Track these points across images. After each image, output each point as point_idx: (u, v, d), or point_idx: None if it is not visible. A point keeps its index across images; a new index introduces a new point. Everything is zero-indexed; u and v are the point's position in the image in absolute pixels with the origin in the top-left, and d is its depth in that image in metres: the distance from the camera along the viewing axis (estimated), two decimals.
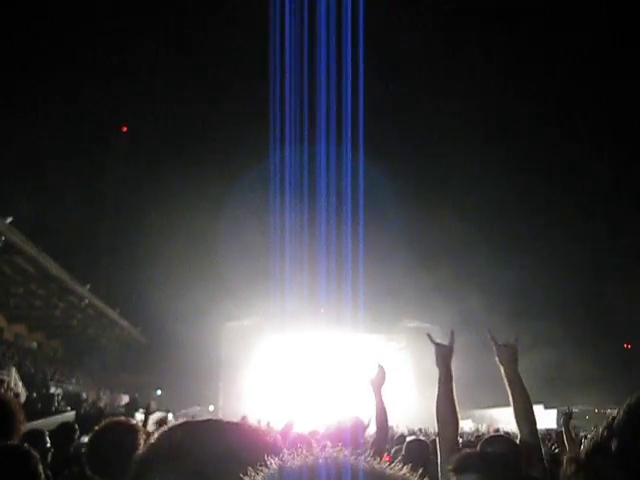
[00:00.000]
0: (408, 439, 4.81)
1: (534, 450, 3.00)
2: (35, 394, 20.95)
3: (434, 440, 3.43)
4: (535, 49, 43.08)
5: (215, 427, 0.92)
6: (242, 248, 35.02)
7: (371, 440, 4.31)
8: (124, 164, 39.93)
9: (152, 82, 41.15)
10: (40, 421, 10.75)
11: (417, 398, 31.22)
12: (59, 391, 24.11)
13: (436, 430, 3.28)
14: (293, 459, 0.69)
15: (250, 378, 37.64)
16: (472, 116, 43.71)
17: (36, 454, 2.37)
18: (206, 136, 44.00)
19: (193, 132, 44.76)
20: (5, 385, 18.73)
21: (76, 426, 5.89)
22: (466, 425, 27.32)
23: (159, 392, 36.70)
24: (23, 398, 18.23)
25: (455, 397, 3.16)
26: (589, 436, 0.95)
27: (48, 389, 23.59)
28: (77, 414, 16.84)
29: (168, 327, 33.53)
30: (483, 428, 24.65)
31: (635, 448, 0.84)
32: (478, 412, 33.17)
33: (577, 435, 7.39)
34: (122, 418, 3.07)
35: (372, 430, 4.53)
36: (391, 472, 0.69)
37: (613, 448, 0.85)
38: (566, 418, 5.94)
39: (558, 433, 8.40)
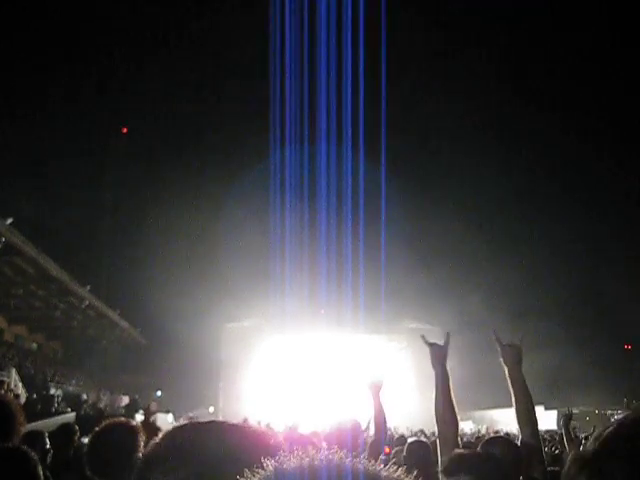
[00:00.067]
0: (409, 440, 4.81)
1: (535, 451, 3.00)
2: (35, 395, 20.94)
3: (435, 441, 3.43)
4: (535, 49, 43.14)
5: (218, 429, 0.92)
6: (242, 249, 35.03)
7: (369, 442, 4.32)
8: (124, 164, 39.93)
9: (152, 82, 41.17)
10: (40, 422, 10.73)
11: (418, 399, 31.17)
12: (59, 392, 24.10)
13: (436, 431, 3.28)
14: (289, 461, 0.69)
15: (250, 379, 37.62)
16: (473, 116, 43.76)
17: (35, 455, 2.36)
18: (206, 136, 44.00)
19: (193, 132, 44.76)
20: (5, 386, 18.70)
21: (76, 427, 5.89)
22: (466, 426, 27.31)
23: (159, 393, 36.68)
24: (23, 399, 18.22)
25: (453, 397, 3.16)
26: (592, 436, 0.94)
27: (48, 390, 23.58)
28: (77, 415, 16.80)
29: (168, 328, 33.52)
30: (483, 429, 24.64)
31: None
32: (478, 413, 33.16)
33: (577, 437, 7.38)
34: (122, 419, 3.07)
35: (371, 432, 4.55)
36: (386, 474, 0.69)
37: (621, 448, 0.85)
38: (566, 419, 5.94)
39: (559, 434, 8.40)
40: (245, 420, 11.66)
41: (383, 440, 4.44)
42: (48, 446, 4.79)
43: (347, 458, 0.69)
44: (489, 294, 34.39)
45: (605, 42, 41.14)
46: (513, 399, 3.11)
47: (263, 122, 27.41)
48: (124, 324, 35.58)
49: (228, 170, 40.25)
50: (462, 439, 4.49)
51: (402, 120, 36.30)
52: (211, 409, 36.33)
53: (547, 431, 15.42)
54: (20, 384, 21.31)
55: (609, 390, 31.48)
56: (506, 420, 22.58)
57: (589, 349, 33.83)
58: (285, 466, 0.69)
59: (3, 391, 16.14)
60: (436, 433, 3.29)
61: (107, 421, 2.87)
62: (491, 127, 44.30)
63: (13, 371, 21.61)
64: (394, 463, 0.74)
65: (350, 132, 25.58)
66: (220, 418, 1.12)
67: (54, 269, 25.21)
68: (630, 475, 0.82)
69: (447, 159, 43.98)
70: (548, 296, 39.22)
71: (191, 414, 23.74)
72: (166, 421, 18.71)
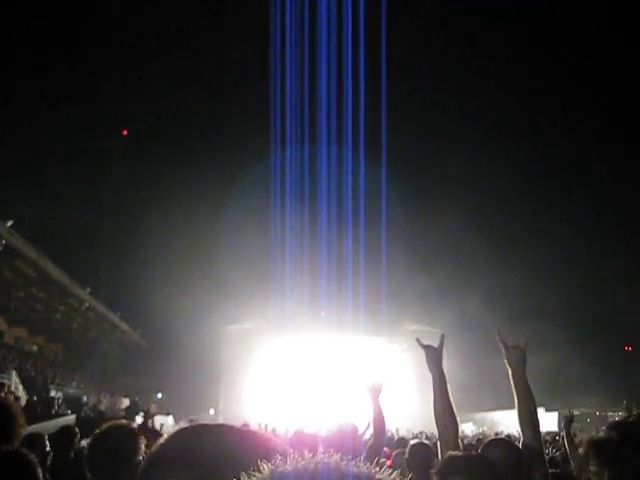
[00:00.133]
0: (411, 442, 4.80)
1: (536, 453, 2.99)
2: (35, 397, 20.92)
3: (435, 443, 3.43)
4: (535, 49, 43.15)
5: (220, 432, 0.92)
6: (242, 250, 35.02)
7: (368, 445, 4.33)
8: (124, 166, 39.94)
9: (152, 82, 41.14)
10: (40, 424, 10.71)
11: (418, 401, 31.12)
12: (59, 394, 24.09)
13: (437, 433, 3.28)
14: (285, 464, 0.69)
15: (251, 381, 37.59)
16: (473, 117, 43.80)
17: (34, 458, 2.36)
18: (206, 136, 44.03)
19: (193, 132, 44.77)
20: (5, 388, 18.68)
21: (76, 429, 5.88)
22: (467, 428, 27.28)
23: (159, 395, 36.68)
24: (23, 401, 18.20)
25: (452, 399, 3.17)
26: (607, 426, 0.96)
27: (48, 392, 23.57)
28: (77, 417, 16.78)
29: (169, 330, 33.51)
30: (484, 431, 24.61)
31: None
32: (479, 415, 33.15)
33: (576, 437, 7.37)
34: (123, 421, 3.07)
35: (367, 435, 4.55)
36: (380, 477, 0.69)
37: (635, 435, 0.86)
38: (567, 421, 5.93)
39: (560, 436, 8.38)
40: (245, 423, 11.66)
41: (383, 443, 4.44)
42: (48, 448, 4.79)
43: (343, 461, 0.69)
44: (489, 296, 34.42)
45: (605, 42, 41.18)
46: (516, 401, 3.11)
47: (263, 122, 27.44)
48: (124, 326, 35.58)
49: (228, 171, 40.29)
50: (463, 441, 4.49)
51: (403, 120, 36.30)
52: (211, 411, 36.31)
53: (548, 433, 15.40)
54: (20, 386, 21.31)
55: (609, 391, 31.43)
56: (507, 422, 22.56)
57: (589, 350, 33.81)
58: (281, 469, 0.69)
59: (3, 393, 16.12)
60: (437, 435, 3.29)
61: (108, 423, 2.86)
62: (491, 127, 44.37)
63: (13, 373, 21.61)
64: (395, 466, 0.74)
65: (351, 132, 25.63)
66: (221, 420, 1.12)
67: (54, 271, 25.23)
68: None
69: (447, 160, 43.97)
70: (548, 297, 39.25)
71: (192, 417, 23.73)
72: (166, 423, 18.69)
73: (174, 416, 24.13)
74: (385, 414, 4.33)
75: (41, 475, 2.35)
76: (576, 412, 7.24)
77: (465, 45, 43.17)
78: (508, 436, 9.07)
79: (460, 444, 3.18)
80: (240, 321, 38.72)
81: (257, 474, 0.70)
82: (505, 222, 42.36)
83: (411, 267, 34.71)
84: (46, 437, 4.98)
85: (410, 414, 26.42)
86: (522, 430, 3.07)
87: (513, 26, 42.42)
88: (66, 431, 5.78)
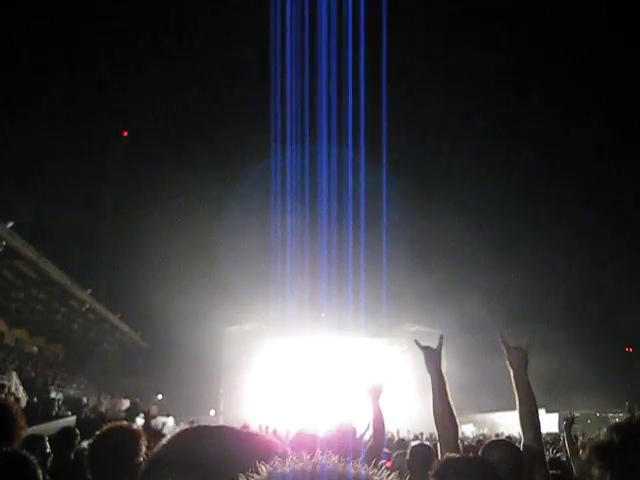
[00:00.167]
0: (413, 444, 4.80)
1: (537, 455, 2.99)
2: (36, 399, 20.91)
3: (435, 444, 3.42)
4: (535, 49, 43.14)
5: (221, 434, 0.92)
6: (243, 251, 35.03)
7: (368, 446, 4.33)
8: (124, 166, 39.91)
9: (152, 82, 41.13)
10: (41, 426, 10.71)
11: (419, 402, 31.07)
12: (60, 396, 24.07)
13: (436, 434, 3.28)
14: (283, 465, 0.69)
15: (251, 383, 37.56)
16: (473, 117, 43.82)
17: (34, 460, 2.36)
18: (206, 137, 43.98)
19: (193, 133, 44.76)
20: (6, 390, 18.67)
21: (77, 431, 5.88)
22: (467, 429, 27.27)
23: (160, 397, 36.65)
24: (24, 403, 18.20)
25: (451, 400, 3.17)
26: (608, 428, 0.95)
27: (49, 394, 23.56)
28: (78, 419, 16.79)
29: (169, 331, 33.53)
30: (485, 432, 24.60)
31: None
32: (479, 416, 33.12)
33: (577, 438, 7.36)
34: (124, 423, 3.06)
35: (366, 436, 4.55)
36: (378, 479, 0.69)
37: (634, 439, 0.86)
38: (568, 423, 5.93)
39: (561, 437, 8.38)
40: (245, 425, 11.65)
41: (382, 445, 4.44)
42: (48, 450, 4.78)
43: (341, 463, 0.69)
44: (490, 297, 34.40)
45: (605, 42, 41.17)
46: (517, 402, 3.11)
47: (264, 122, 27.44)
48: (125, 327, 35.57)
49: (228, 171, 40.29)
50: (463, 442, 4.48)
51: (403, 120, 36.31)
52: (212, 413, 36.30)
53: (548, 434, 15.40)
54: (21, 388, 21.31)
55: (610, 393, 31.42)
56: (507, 423, 22.56)
57: (590, 351, 33.81)
58: (279, 470, 0.69)
59: (4, 395, 16.12)
60: (436, 436, 3.29)
61: (109, 425, 2.86)
62: (492, 128, 44.33)
63: (14, 375, 21.61)
64: (394, 467, 0.74)
65: (351, 133, 25.66)
66: (221, 422, 1.12)
67: (55, 272, 25.23)
68: None
69: (448, 160, 44.01)
70: (549, 298, 39.22)
71: (192, 418, 23.71)
72: (167, 425, 18.66)
73: (174, 417, 24.10)
74: (385, 415, 4.33)
75: (41, 476, 2.35)
76: (576, 413, 7.22)
77: (465, 45, 43.14)
78: (509, 437, 9.07)
79: (460, 445, 3.18)
80: (240, 322, 38.69)
81: (255, 475, 0.70)
82: (505, 222, 42.38)
83: (411, 268, 34.73)
84: (46, 438, 4.97)
85: (410, 415, 26.39)
86: (523, 431, 3.07)
87: (513, 26, 42.44)
88: (66, 432, 5.78)
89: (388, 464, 5.01)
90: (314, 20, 24.66)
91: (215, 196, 38.60)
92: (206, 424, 0.98)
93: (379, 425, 4.24)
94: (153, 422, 8.94)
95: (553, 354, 29.55)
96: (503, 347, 3.24)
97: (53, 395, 23.49)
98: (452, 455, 2.58)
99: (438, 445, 3.19)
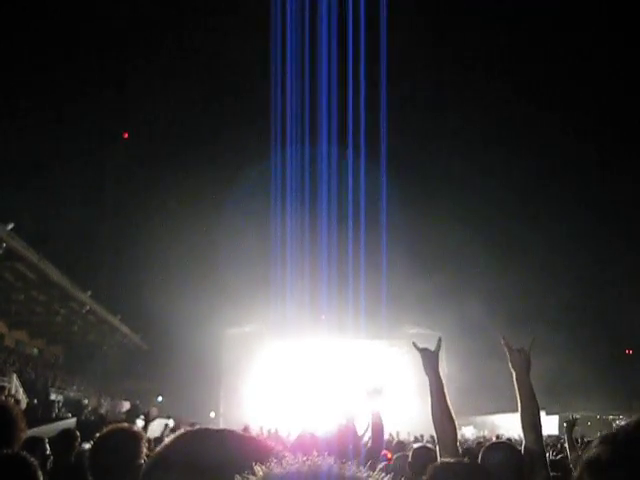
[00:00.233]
0: (415, 446, 4.80)
1: (538, 457, 2.99)
2: (36, 401, 20.91)
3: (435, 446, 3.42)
4: (535, 49, 43.16)
5: (221, 436, 0.92)
6: (243, 254, 35.02)
7: (366, 448, 4.33)
8: (125, 168, 39.92)
9: (152, 83, 41.15)
10: (41, 428, 10.71)
11: (418, 404, 31.04)
12: (60, 398, 24.06)
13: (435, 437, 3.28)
14: (279, 467, 0.70)
15: (251, 384, 37.55)
16: (474, 119, 43.78)
17: (35, 462, 2.35)
18: (206, 138, 43.99)
19: (193, 134, 44.75)
20: (6, 392, 18.69)
21: (77, 433, 5.87)
22: (468, 432, 27.26)
23: (160, 398, 36.64)
24: (24, 405, 18.20)
25: (449, 402, 3.16)
26: (597, 439, 0.94)
27: (49, 396, 23.55)
28: (78, 421, 16.78)
29: (169, 333, 33.50)
30: (485, 434, 24.58)
31: None
32: (480, 418, 33.10)
33: (581, 441, 7.36)
34: (124, 425, 3.06)
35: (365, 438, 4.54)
36: None
37: (622, 453, 0.84)
38: (569, 425, 5.92)
39: (561, 440, 8.38)
40: (245, 427, 11.64)
41: (381, 447, 4.45)
42: (48, 452, 4.78)
43: (337, 464, 0.69)
44: (490, 299, 34.39)
45: (605, 42, 41.18)
46: (519, 404, 3.10)
47: (264, 123, 27.45)
48: (125, 329, 35.57)
49: (228, 173, 40.28)
50: (463, 445, 4.47)
51: (403, 122, 36.33)
52: (212, 415, 36.27)
53: (549, 436, 15.39)
54: (21, 389, 21.30)
55: (610, 395, 31.41)
56: (507, 425, 22.55)
57: (590, 354, 33.78)
58: (276, 472, 0.69)
59: (4, 397, 16.12)
60: (436, 439, 3.29)
61: (109, 427, 2.86)
62: (491, 127, 44.31)
63: (14, 376, 21.61)
64: (389, 468, 0.74)
65: (351, 133, 25.67)
66: (221, 424, 1.12)
67: (55, 274, 25.24)
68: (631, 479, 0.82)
69: (448, 161, 43.97)
70: (549, 301, 39.19)
71: (192, 420, 23.69)
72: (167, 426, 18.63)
73: (174, 419, 24.08)
74: (385, 417, 4.33)
75: (41, 478, 2.35)
76: (577, 415, 7.21)
77: (465, 45, 43.17)
78: (509, 439, 9.06)
79: (459, 448, 3.18)
80: (241, 324, 38.68)
81: (251, 477, 0.71)
82: (505, 225, 42.34)
83: (411, 270, 34.71)
84: (46, 440, 4.97)
85: (410, 417, 26.37)
86: (524, 433, 3.07)
87: (513, 26, 42.45)
88: (66, 434, 5.77)
89: (388, 455, 5.02)
90: (314, 20, 24.71)
91: (215, 199, 38.63)
92: (206, 426, 0.99)
93: (378, 427, 4.24)
94: (155, 423, 8.94)
95: (553, 356, 29.53)
96: (506, 349, 3.24)
97: (53, 397, 23.48)
98: (446, 460, 2.58)
99: (437, 448, 3.18)
